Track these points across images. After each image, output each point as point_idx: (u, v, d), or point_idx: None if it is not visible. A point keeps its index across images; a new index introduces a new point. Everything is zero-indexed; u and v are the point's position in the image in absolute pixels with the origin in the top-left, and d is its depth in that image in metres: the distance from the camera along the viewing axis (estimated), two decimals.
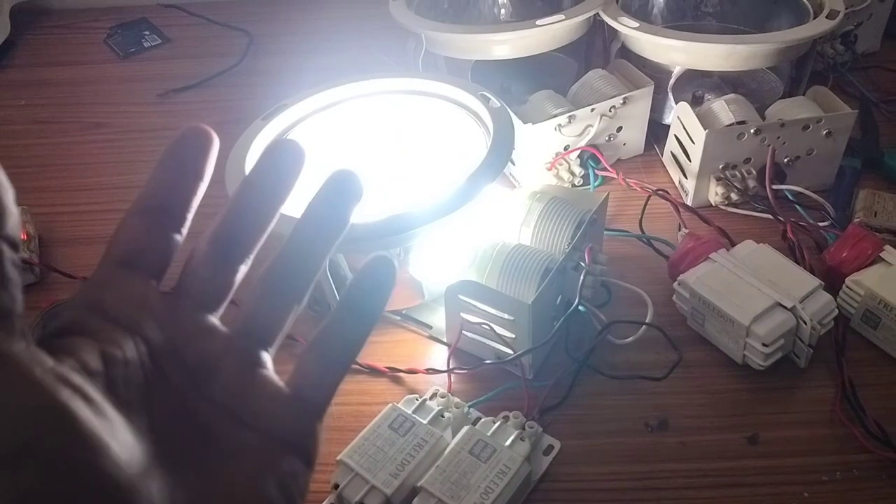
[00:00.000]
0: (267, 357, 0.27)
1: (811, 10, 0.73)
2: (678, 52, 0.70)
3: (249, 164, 0.58)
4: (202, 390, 0.25)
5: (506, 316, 0.52)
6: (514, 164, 0.71)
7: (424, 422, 0.49)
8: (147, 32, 1.00)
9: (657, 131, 0.75)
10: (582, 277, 0.53)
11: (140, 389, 0.23)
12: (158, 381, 0.24)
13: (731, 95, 0.68)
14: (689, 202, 0.68)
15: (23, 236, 0.65)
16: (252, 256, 0.27)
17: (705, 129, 0.64)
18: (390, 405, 0.50)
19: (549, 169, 0.70)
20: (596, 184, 0.71)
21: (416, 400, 0.52)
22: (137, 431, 0.22)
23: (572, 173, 0.70)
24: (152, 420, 0.23)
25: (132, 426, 0.22)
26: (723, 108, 0.67)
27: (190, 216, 0.26)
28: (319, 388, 0.27)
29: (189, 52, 0.97)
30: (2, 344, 0.19)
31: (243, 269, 0.27)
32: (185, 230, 0.26)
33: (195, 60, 0.94)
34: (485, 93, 0.62)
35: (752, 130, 0.65)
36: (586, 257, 0.54)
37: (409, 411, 0.50)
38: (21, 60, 0.97)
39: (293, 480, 0.25)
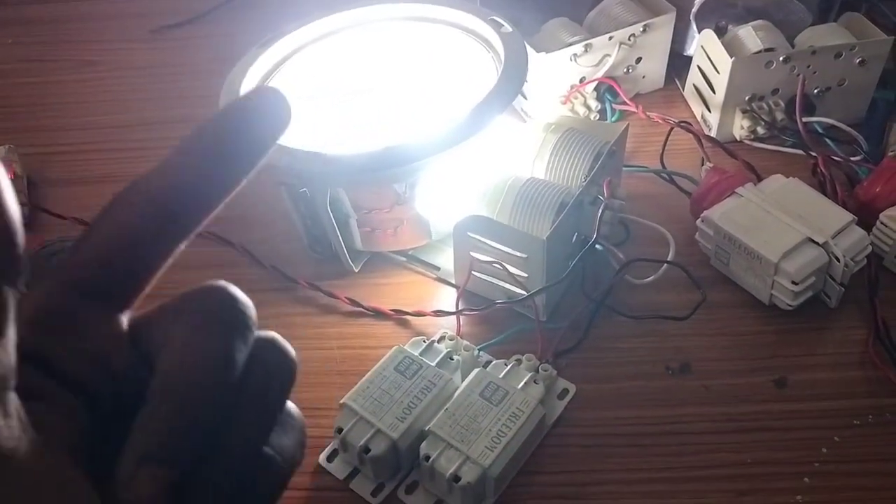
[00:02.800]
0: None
1: None
2: None
3: None
4: None
5: (518, 254, 0.49)
6: (525, 99, 0.67)
7: (432, 364, 0.47)
8: None
9: (678, 64, 0.70)
10: (600, 212, 0.49)
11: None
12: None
13: (759, 21, 0.64)
14: (713, 136, 0.64)
15: (10, 176, 0.62)
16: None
17: (731, 57, 0.59)
18: (396, 347, 0.48)
19: (564, 103, 0.66)
20: (613, 118, 0.67)
21: (424, 342, 0.49)
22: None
23: (588, 107, 0.66)
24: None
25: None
26: (750, 35, 0.62)
27: (201, 226, 0.20)
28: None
29: None
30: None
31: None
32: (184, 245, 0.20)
33: None
34: (495, 17, 0.57)
35: (781, 58, 0.60)
36: (605, 191, 0.50)
37: (416, 353, 0.48)
38: None
39: None
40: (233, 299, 0.19)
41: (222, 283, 0.20)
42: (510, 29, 0.56)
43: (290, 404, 0.21)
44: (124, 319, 0.20)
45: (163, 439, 0.17)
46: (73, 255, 0.19)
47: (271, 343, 0.20)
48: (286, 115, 0.20)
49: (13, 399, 0.16)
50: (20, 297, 0.16)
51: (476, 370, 0.46)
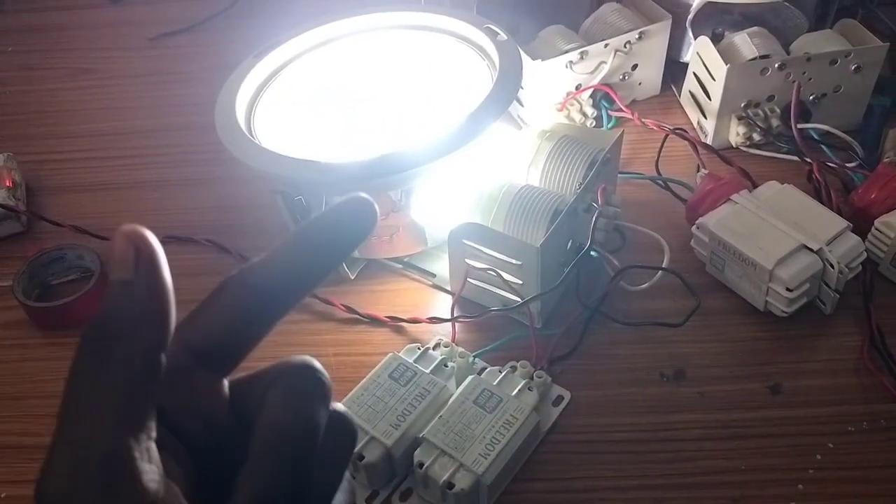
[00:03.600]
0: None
1: None
2: None
3: (241, 103, 0.55)
4: None
5: (513, 261, 0.49)
6: (521, 106, 0.67)
7: (427, 371, 0.47)
8: None
9: (675, 71, 0.71)
10: (594, 219, 0.49)
11: None
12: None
13: (754, 28, 0.64)
14: (708, 143, 0.64)
15: (8, 184, 0.63)
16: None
17: (727, 64, 0.60)
18: (391, 354, 0.48)
19: (560, 110, 0.66)
20: (609, 125, 0.67)
21: (418, 349, 0.49)
22: None
23: (584, 114, 0.66)
24: None
25: None
26: (745, 42, 0.63)
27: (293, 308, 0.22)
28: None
29: None
30: None
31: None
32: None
33: (187, 3, 0.89)
34: (490, 26, 0.58)
35: (776, 65, 0.60)
36: (599, 198, 0.51)
37: (411, 360, 0.48)
38: (7, 6, 0.93)
39: None
40: (317, 373, 0.23)
41: (308, 359, 0.23)
42: (505, 37, 0.56)
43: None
44: (226, 384, 0.23)
45: (266, 490, 0.21)
46: (191, 324, 0.22)
47: (340, 414, 0.23)
48: (373, 219, 0.22)
49: (154, 448, 0.19)
50: None
51: (470, 377, 0.46)
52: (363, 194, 0.22)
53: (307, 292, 0.23)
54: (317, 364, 0.23)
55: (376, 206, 0.23)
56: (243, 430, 0.22)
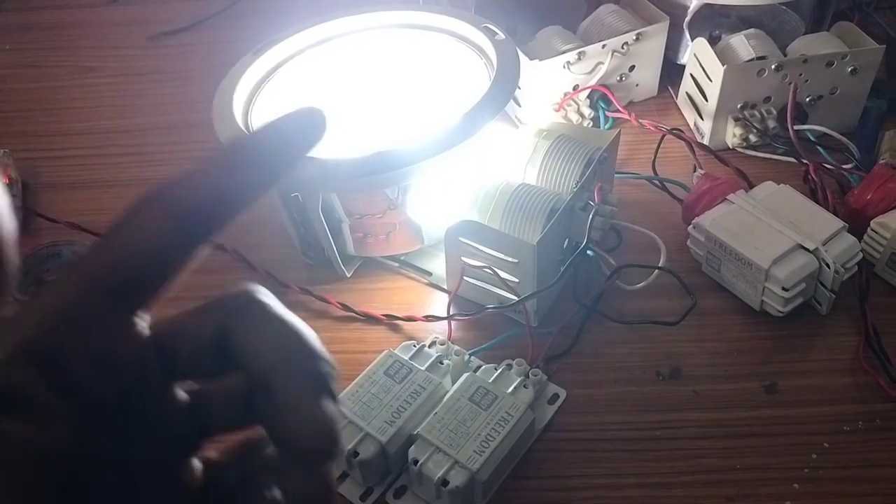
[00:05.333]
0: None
1: None
2: None
3: (238, 101, 0.55)
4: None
5: (509, 259, 0.49)
6: (519, 106, 0.67)
7: (422, 368, 0.47)
8: None
9: (672, 73, 0.71)
10: (591, 217, 0.49)
11: None
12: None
13: (751, 30, 0.64)
14: (705, 144, 0.65)
15: (5, 180, 0.63)
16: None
17: (723, 65, 0.60)
18: (386, 351, 0.48)
19: (557, 110, 0.66)
20: (606, 126, 0.67)
21: (414, 346, 0.49)
22: None
23: (581, 115, 0.66)
24: None
25: None
26: (742, 43, 0.63)
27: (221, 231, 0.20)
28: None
29: None
30: None
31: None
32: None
33: (187, 2, 0.90)
34: (489, 25, 0.58)
35: (772, 66, 0.61)
36: (595, 197, 0.51)
37: (407, 357, 0.48)
38: (9, 4, 0.93)
39: None
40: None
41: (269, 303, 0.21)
42: (503, 36, 0.56)
43: None
44: (143, 325, 0.20)
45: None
46: (97, 254, 0.19)
47: None
48: (320, 128, 0.21)
49: None
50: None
51: (466, 374, 0.46)
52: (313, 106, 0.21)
53: (237, 212, 0.20)
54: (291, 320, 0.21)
55: (325, 116, 0.21)
56: (164, 382, 0.20)
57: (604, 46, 0.64)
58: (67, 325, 0.18)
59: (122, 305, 0.19)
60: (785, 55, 0.64)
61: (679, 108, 0.70)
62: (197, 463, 0.22)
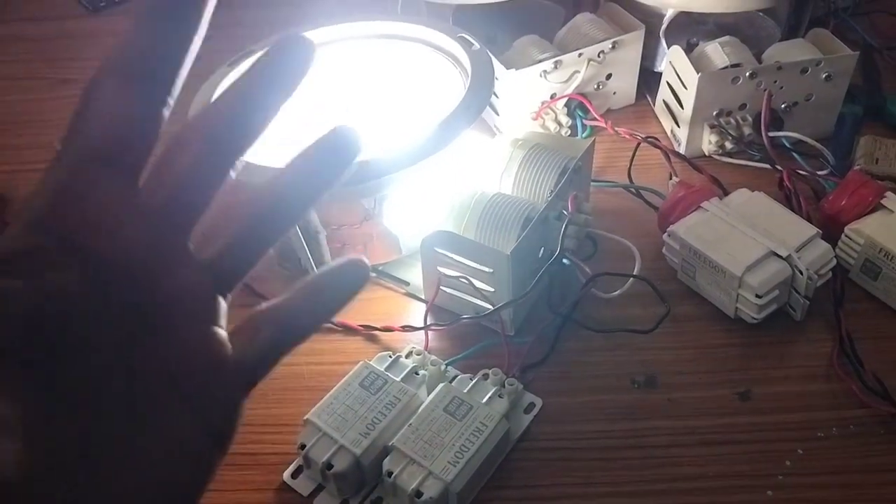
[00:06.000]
0: (224, 307, 0.23)
1: None
2: None
3: None
4: (149, 344, 0.21)
5: (484, 268, 0.49)
6: (497, 115, 0.67)
7: (397, 379, 0.47)
8: None
9: (650, 81, 0.71)
10: (564, 226, 0.50)
11: (67, 336, 0.19)
12: (100, 327, 0.20)
13: (726, 38, 0.65)
14: (681, 151, 0.65)
15: None
16: (238, 164, 0.23)
17: (698, 73, 0.60)
18: (361, 363, 0.48)
19: (535, 118, 0.66)
20: (584, 134, 0.67)
21: (390, 357, 0.49)
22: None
23: (559, 123, 0.66)
24: (70, 379, 0.19)
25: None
26: (716, 51, 0.63)
27: (180, 84, 0.22)
28: (264, 359, 0.23)
29: None
30: None
31: (228, 178, 0.23)
32: (172, 102, 0.22)
33: None
34: (464, 35, 0.58)
35: (747, 73, 0.61)
36: (570, 205, 0.51)
37: (382, 369, 0.48)
38: None
39: (209, 470, 0.22)
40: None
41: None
42: (478, 46, 0.57)
43: None
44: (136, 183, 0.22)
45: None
46: (77, 132, 0.21)
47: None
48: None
49: None
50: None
51: (441, 385, 0.46)
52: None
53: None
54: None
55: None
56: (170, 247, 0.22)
57: (580, 55, 0.64)
58: (64, 196, 0.20)
59: (118, 172, 0.21)
60: (760, 62, 0.64)
61: (656, 116, 0.70)
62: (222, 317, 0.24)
